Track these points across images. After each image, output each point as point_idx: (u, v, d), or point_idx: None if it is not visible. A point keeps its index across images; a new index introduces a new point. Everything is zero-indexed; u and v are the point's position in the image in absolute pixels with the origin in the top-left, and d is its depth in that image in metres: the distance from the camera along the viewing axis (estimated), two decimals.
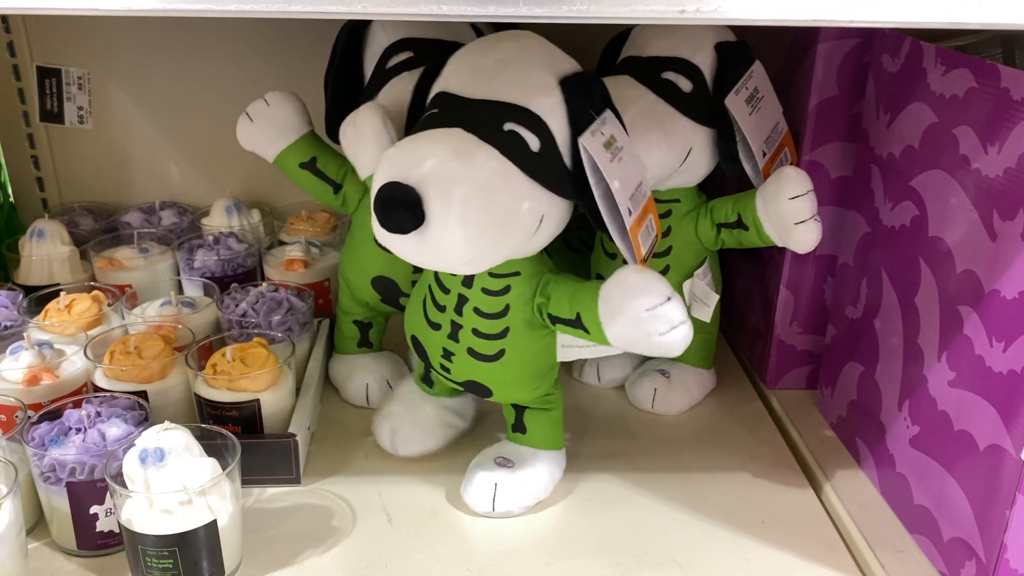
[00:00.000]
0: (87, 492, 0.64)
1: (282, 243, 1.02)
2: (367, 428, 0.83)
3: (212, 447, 0.65)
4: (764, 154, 0.76)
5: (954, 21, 0.47)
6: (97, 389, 0.75)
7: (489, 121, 0.58)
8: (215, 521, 0.61)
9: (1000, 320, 0.58)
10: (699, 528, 0.71)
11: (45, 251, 0.94)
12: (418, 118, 0.62)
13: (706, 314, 0.80)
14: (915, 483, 0.68)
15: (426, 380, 0.79)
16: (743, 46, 0.76)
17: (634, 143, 0.70)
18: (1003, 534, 0.57)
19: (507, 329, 0.66)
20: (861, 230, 0.77)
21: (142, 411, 0.69)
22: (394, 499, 0.73)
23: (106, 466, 0.62)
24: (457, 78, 0.61)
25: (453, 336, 0.68)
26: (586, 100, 0.60)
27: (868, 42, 0.76)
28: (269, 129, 0.79)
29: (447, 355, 0.69)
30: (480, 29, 0.81)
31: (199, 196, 1.11)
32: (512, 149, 0.57)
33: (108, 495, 0.64)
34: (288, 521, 0.71)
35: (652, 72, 0.74)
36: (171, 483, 0.60)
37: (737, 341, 1.00)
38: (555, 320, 0.65)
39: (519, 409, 0.73)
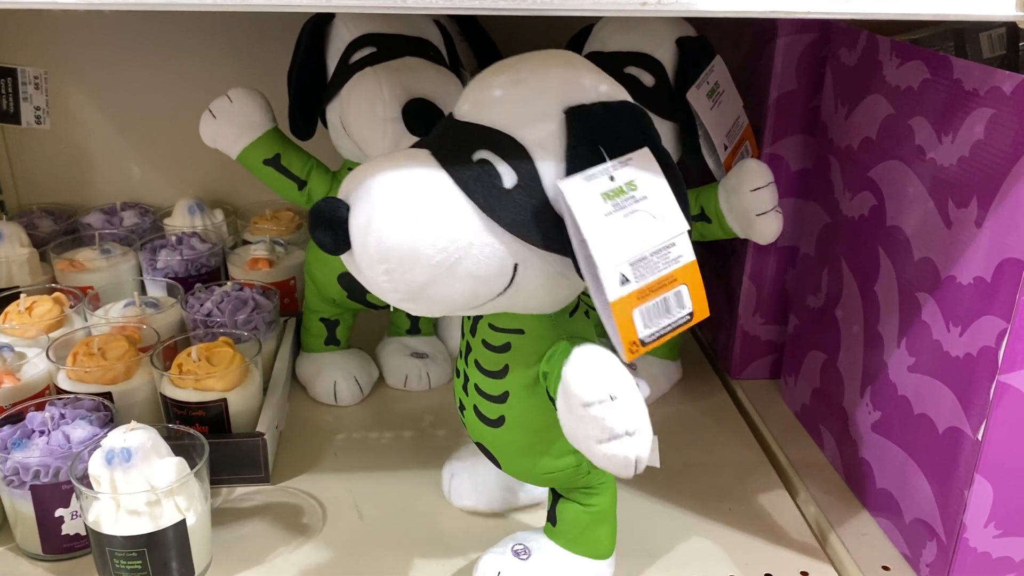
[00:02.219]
0: (52, 495, 0.63)
1: (246, 242, 1.01)
2: (336, 426, 0.83)
3: (179, 447, 0.64)
4: (726, 147, 0.77)
5: (907, 12, 0.48)
6: (60, 391, 0.74)
7: (459, 146, 0.49)
8: (184, 521, 0.60)
9: (956, 305, 0.59)
10: (667, 517, 0.72)
11: (3, 253, 0.93)
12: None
13: None
14: (877, 467, 0.70)
15: None
16: (704, 41, 0.77)
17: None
18: (962, 514, 0.59)
19: (506, 393, 0.57)
20: (821, 221, 0.78)
21: (107, 412, 0.68)
22: (364, 496, 0.73)
23: (71, 468, 0.61)
24: (465, 97, 0.52)
25: (465, 388, 0.60)
26: (592, 135, 0.48)
27: (826, 36, 0.78)
28: (232, 126, 0.78)
29: (461, 407, 0.61)
30: (443, 24, 0.81)
31: (161, 196, 1.10)
32: (472, 181, 0.48)
33: (74, 497, 0.64)
34: (258, 520, 0.70)
35: (614, 67, 0.75)
36: (138, 483, 0.59)
37: (701, 332, 1.02)
38: (549, 397, 0.54)
39: (555, 494, 0.63)
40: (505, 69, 0.51)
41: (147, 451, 0.60)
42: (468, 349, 0.59)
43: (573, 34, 0.83)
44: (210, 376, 0.73)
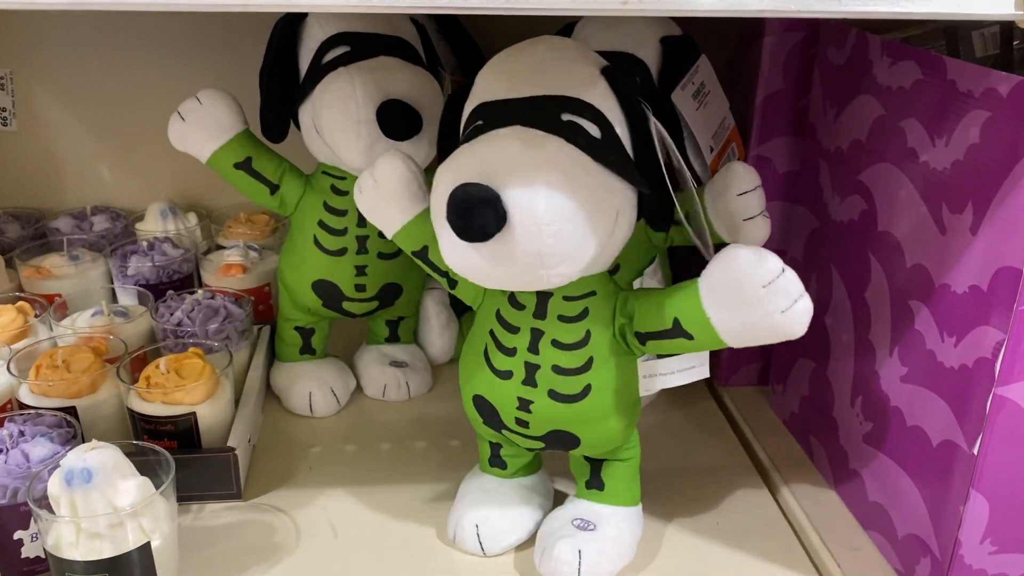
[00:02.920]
0: (10, 517, 0.60)
1: (220, 247, 0.98)
2: (311, 438, 0.80)
3: (146, 463, 0.61)
4: (712, 150, 0.75)
5: (904, 12, 0.46)
6: (23, 406, 0.71)
7: (546, 114, 0.54)
8: (148, 543, 0.57)
9: (951, 314, 0.57)
10: (653, 531, 0.70)
11: None
12: (452, 147, 0.57)
13: None
14: (869, 480, 0.68)
15: (496, 463, 0.69)
16: (688, 40, 0.75)
17: None
18: (957, 530, 0.57)
19: (591, 360, 0.59)
20: (809, 225, 0.76)
21: (70, 428, 0.66)
22: (339, 513, 0.71)
23: (29, 489, 0.58)
24: (495, 87, 0.57)
25: (529, 381, 0.60)
26: (627, 83, 0.56)
27: (814, 35, 0.76)
28: (202, 129, 0.76)
29: (524, 406, 0.61)
30: (420, 22, 0.79)
31: (132, 200, 1.07)
32: (577, 138, 0.53)
33: (33, 520, 0.61)
34: (229, 538, 0.68)
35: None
36: (100, 505, 0.56)
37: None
38: (646, 338, 0.58)
39: (595, 463, 0.66)
40: (521, 55, 0.58)
41: (109, 471, 0.57)
42: (536, 335, 0.59)
43: (555, 32, 0.81)
44: (179, 389, 0.70)
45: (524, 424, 0.62)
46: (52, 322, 0.81)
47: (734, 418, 0.85)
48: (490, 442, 0.68)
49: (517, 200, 0.50)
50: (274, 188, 0.78)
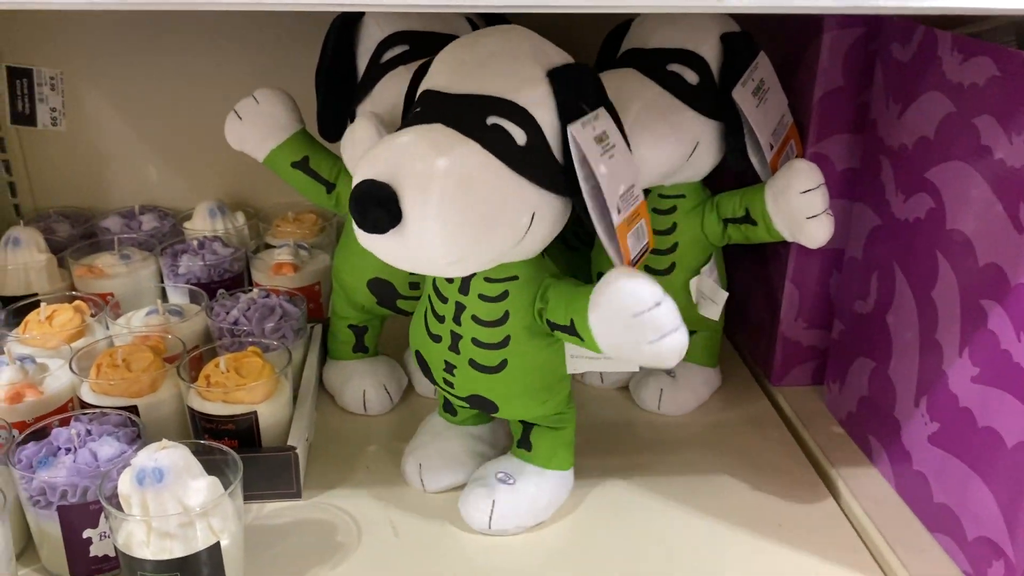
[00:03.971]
0: (80, 516, 0.61)
1: (269, 246, 0.99)
2: (366, 437, 0.81)
3: (212, 463, 0.62)
4: (771, 147, 0.74)
5: (972, 7, 0.45)
6: (84, 405, 0.71)
7: (471, 115, 0.55)
8: (218, 544, 0.58)
9: None
10: (714, 535, 0.69)
11: (21, 259, 0.90)
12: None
13: (715, 312, 0.78)
14: (935, 481, 0.67)
15: (448, 409, 0.75)
16: (748, 36, 0.74)
17: (640, 138, 0.68)
18: None
19: (508, 338, 0.63)
20: (870, 223, 0.75)
21: (134, 428, 0.66)
22: (399, 511, 0.71)
23: (100, 488, 0.59)
24: (441, 75, 0.58)
25: (454, 348, 0.64)
26: (576, 92, 0.57)
27: (875, 31, 0.75)
28: (259, 128, 0.76)
29: (449, 368, 0.65)
30: (475, 21, 0.78)
31: (180, 199, 1.08)
32: (495, 143, 0.54)
33: (103, 518, 0.61)
34: (291, 538, 0.68)
35: (657, 64, 0.72)
36: (170, 505, 0.56)
37: (738, 337, 0.99)
38: (553, 327, 0.61)
39: (527, 425, 0.70)
40: (473, 44, 0.59)
41: (179, 471, 0.57)
42: (459, 308, 0.63)
43: (609, 30, 0.81)
44: (240, 388, 0.70)
45: (450, 384, 0.66)
46: (108, 321, 0.81)
47: (789, 418, 0.84)
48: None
49: (412, 203, 0.51)
50: (331, 187, 0.78)
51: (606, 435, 0.81)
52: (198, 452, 0.61)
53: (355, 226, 0.54)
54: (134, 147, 1.07)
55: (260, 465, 0.70)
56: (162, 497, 0.56)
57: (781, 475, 0.76)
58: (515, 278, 0.62)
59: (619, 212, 0.57)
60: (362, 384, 0.83)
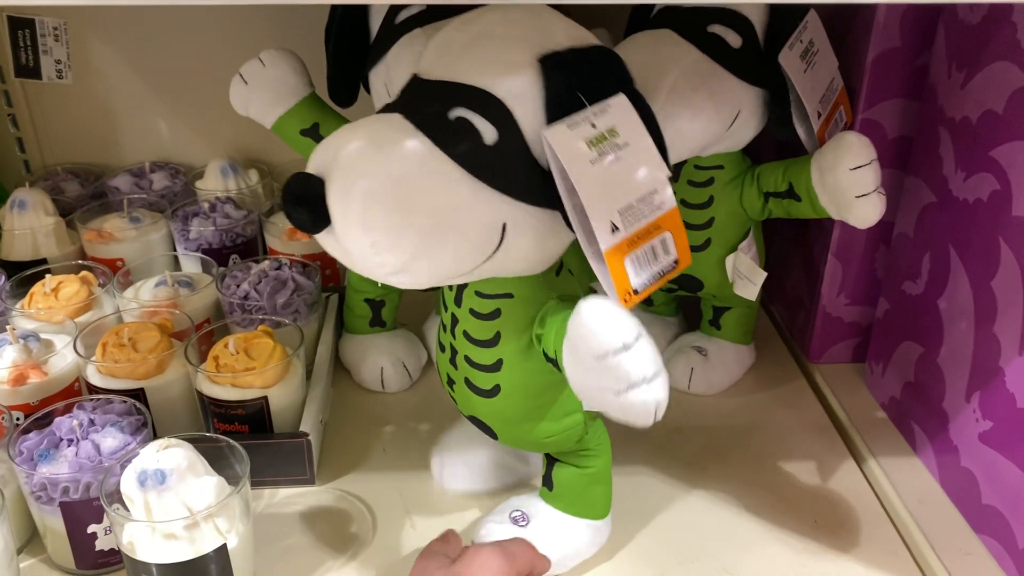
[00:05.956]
0: (83, 511, 0.59)
1: None
2: (384, 415, 0.78)
3: (218, 451, 0.59)
4: (819, 115, 0.68)
5: None
6: (90, 387, 0.69)
7: (433, 106, 0.47)
8: (224, 545, 0.55)
9: None
10: (747, 529, 0.66)
11: (28, 223, 0.87)
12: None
13: (752, 292, 0.73)
14: (984, 481, 0.63)
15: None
16: None
17: (676, 110, 0.63)
18: None
19: (500, 361, 0.54)
20: (924, 199, 0.69)
21: (139, 416, 0.63)
22: (416, 499, 0.68)
23: (102, 485, 0.56)
24: (428, 57, 0.50)
25: (453, 362, 0.57)
26: (572, 82, 0.47)
27: None
28: (266, 92, 0.71)
29: (450, 383, 0.59)
30: None
31: (192, 155, 1.04)
32: (454, 141, 0.46)
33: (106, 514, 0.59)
34: (303, 529, 0.65)
35: (696, 25, 0.66)
36: (174, 507, 0.54)
37: (774, 308, 0.94)
38: (547, 359, 0.52)
39: (550, 459, 0.62)
40: (469, 22, 0.49)
41: (182, 471, 0.54)
42: (454, 321, 0.56)
43: None
44: (249, 372, 0.67)
45: (453, 400, 0.60)
46: (116, 292, 0.78)
47: (827, 400, 0.80)
48: None
49: (334, 202, 0.44)
50: None
51: None
52: (204, 441, 0.59)
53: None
54: (143, 101, 1.02)
55: (272, 451, 0.67)
56: (165, 499, 0.54)
57: (817, 463, 0.72)
58: (509, 296, 0.53)
59: (614, 231, 0.46)
60: (379, 361, 0.79)
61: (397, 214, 0.45)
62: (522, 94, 0.46)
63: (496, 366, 0.55)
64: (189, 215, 0.90)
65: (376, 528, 0.66)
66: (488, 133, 0.46)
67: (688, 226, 0.74)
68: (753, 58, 0.66)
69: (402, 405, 0.79)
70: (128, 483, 0.54)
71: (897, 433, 0.75)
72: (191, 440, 0.57)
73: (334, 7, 0.70)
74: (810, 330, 0.83)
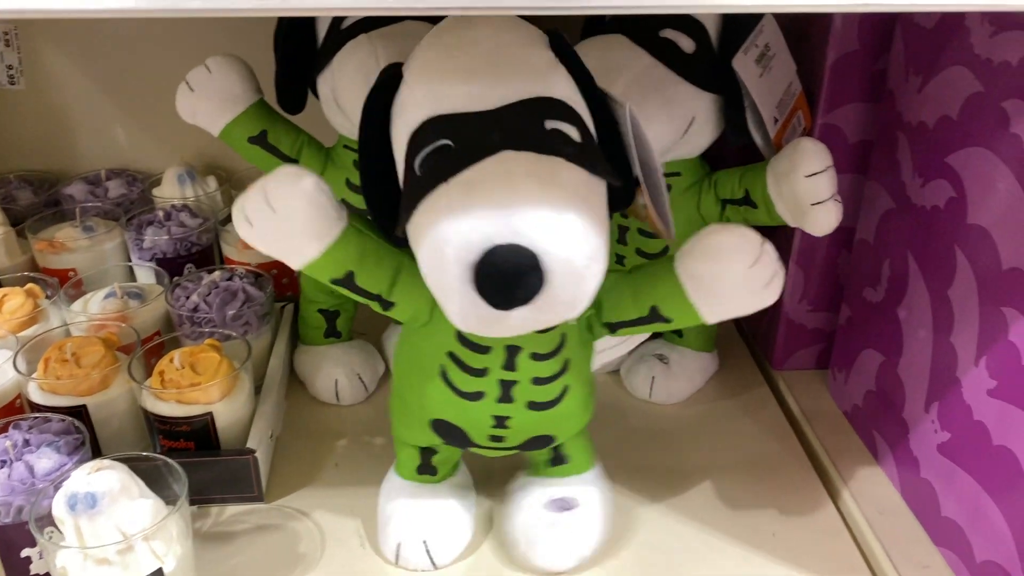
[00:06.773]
0: (17, 534, 0.57)
1: None
2: (338, 429, 0.76)
3: (157, 470, 0.57)
4: (776, 120, 0.67)
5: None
6: (32, 404, 0.67)
7: (531, 129, 0.46)
8: (161, 569, 0.53)
9: None
10: (704, 543, 0.64)
11: None
12: (376, 156, 0.50)
13: None
14: (943, 493, 0.62)
15: (426, 470, 0.63)
16: None
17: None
18: None
19: (567, 362, 0.55)
20: (884, 205, 0.68)
21: (78, 435, 0.61)
22: (368, 516, 0.66)
23: (32, 509, 0.54)
24: (452, 91, 0.47)
25: (505, 398, 0.55)
26: (580, 59, 0.50)
27: None
28: (212, 100, 0.69)
29: (500, 423, 0.56)
30: None
31: (149, 162, 1.01)
32: (569, 150, 0.46)
33: None
34: (250, 548, 0.64)
35: (648, 30, 0.65)
36: (107, 531, 0.52)
37: (740, 319, 0.92)
38: (616, 326, 0.55)
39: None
40: (471, 44, 0.48)
41: (115, 494, 0.53)
42: (513, 351, 0.53)
43: None
44: (194, 388, 0.65)
45: (499, 439, 0.58)
46: (64, 305, 0.76)
47: (790, 408, 0.79)
48: (420, 448, 0.62)
49: (556, 255, 0.43)
50: (292, 163, 0.71)
51: (593, 424, 0.76)
52: (140, 460, 0.57)
53: (465, 309, 0.45)
54: (100, 106, 1.00)
55: (218, 468, 0.66)
56: (96, 523, 0.52)
57: (778, 473, 0.71)
58: None
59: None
60: (334, 372, 0.78)
61: (597, 231, 0.45)
62: (565, 85, 0.49)
63: (564, 369, 0.55)
64: (144, 224, 0.88)
65: (325, 547, 0.64)
66: (573, 133, 0.47)
67: (644, 234, 0.72)
68: (707, 63, 0.65)
69: (356, 418, 0.77)
70: (59, 507, 0.53)
71: (860, 442, 0.73)
72: (126, 460, 0.56)
73: None
74: (773, 337, 0.82)
